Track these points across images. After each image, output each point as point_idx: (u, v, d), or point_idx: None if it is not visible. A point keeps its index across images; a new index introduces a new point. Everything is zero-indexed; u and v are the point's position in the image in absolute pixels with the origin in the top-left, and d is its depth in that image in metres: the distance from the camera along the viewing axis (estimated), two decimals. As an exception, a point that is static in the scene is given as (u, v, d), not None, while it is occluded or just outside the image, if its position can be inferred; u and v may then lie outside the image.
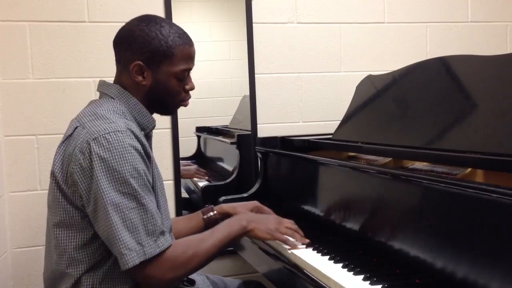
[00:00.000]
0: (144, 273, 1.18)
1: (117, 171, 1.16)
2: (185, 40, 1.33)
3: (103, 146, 1.17)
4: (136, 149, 1.20)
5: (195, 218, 1.57)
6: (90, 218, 1.20)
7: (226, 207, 1.59)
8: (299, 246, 1.38)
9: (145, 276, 1.18)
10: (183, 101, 1.38)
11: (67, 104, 2.00)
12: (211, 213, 1.56)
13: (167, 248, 1.20)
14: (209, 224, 1.54)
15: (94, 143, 1.17)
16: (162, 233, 1.20)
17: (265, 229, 1.40)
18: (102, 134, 1.18)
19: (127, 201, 1.16)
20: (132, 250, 1.14)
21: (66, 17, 2.00)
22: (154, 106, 1.36)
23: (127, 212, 1.16)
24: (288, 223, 1.45)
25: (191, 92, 1.39)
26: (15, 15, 1.95)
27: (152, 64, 1.29)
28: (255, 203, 1.62)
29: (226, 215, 1.53)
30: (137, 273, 1.19)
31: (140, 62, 1.28)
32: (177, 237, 1.33)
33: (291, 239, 1.40)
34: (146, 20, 1.31)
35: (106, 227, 1.16)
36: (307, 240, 1.41)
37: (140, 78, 1.30)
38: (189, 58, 1.34)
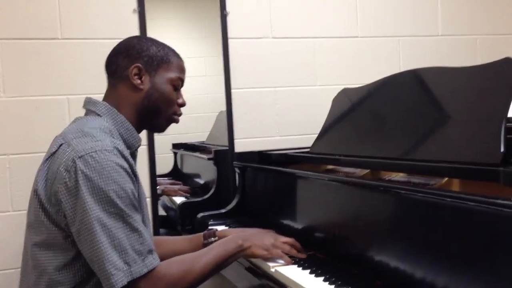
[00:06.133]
0: None
1: (103, 190, 1.14)
2: (177, 54, 1.40)
3: (89, 164, 1.14)
4: (123, 168, 1.18)
5: (195, 240, 1.54)
6: (74, 238, 1.17)
7: (228, 232, 1.55)
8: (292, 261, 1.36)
9: None
10: (175, 114, 1.39)
11: (40, 122, 1.96)
12: (213, 239, 1.51)
13: (158, 266, 1.18)
14: None
15: (80, 162, 1.15)
16: (150, 251, 1.18)
17: (261, 246, 1.39)
18: (89, 153, 1.16)
19: (113, 221, 1.14)
20: (120, 270, 1.12)
21: (39, 34, 1.97)
22: (146, 117, 1.35)
23: (114, 232, 1.13)
24: (284, 238, 1.43)
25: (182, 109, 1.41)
26: (-15, 33, 1.92)
27: (150, 68, 1.33)
28: (259, 230, 1.57)
29: None
30: None
31: (139, 65, 1.31)
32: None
33: (285, 257, 1.38)
34: (141, 36, 1.40)
35: (92, 247, 1.13)
36: (304, 255, 1.40)
37: (138, 81, 1.32)
38: (182, 70, 1.40)
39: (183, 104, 1.40)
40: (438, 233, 1.04)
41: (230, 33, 2.20)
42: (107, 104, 1.31)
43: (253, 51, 2.24)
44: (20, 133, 1.96)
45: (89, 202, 1.13)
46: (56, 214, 1.18)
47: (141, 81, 1.32)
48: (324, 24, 2.34)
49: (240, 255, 1.38)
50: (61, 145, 1.21)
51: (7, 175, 1.94)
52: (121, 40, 1.39)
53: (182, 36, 2.42)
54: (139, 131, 1.37)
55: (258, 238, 1.41)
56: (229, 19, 2.20)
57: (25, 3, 1.96)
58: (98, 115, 1.30)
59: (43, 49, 1.98)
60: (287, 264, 1.36)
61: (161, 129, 1.41)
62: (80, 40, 2.01)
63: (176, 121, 1.41)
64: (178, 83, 1.37)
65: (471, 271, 0.95)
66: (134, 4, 2.07)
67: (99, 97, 1.37)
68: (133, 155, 1.36)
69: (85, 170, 1.14)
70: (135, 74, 1.31)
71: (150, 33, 2.04)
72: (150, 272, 1.16)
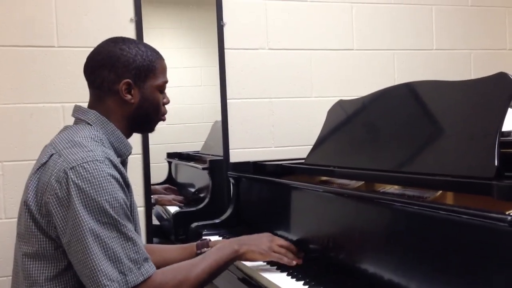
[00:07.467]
0: None
1: (96, 201, 1.13)
2: (159, 54, 1.38)
3: (81, 175, 1.14)
4: (115, 178, 1.17)
5: (189, 249, 1.53)
6: (65, 249, 1.16)
7: (221, 242, 1.54)
8: (293, 263, 1.38)
9: None
10: (163, 115, 1.40)
11: (35, 129, 1.96)
12: (205, 249, 1.50)
13: (154, 274, 1.17)
14: None
15: (72, 173, 1.14)
16: (146, 259, 1.18)
17: (258, 250, 1.40)
18: (80, 163, 1.15)
19: (107, 231, 1.13)
20: (114, 281, 1.11)
21: (35, 42, 1.98)
22: (137, 125, 1.36)
23: (108, 242, 1.12)
24: (281, 240, 1.45)
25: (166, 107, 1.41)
26: (-18, 40, 1.92)
27: (138, 80, 1.30)
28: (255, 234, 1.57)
29: None
30: None
31: (129, 80, 1.29)
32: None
33: (285, 258, 1.40)
34: (120, 40, 1.33)
35: (84, 258, 1.12)
36: (302, 255, 1.42)
37: (129, 96, 1.30)
38: (165, 70, 1.38)
39: (168, 103, 1.40)
40: (432, 246, 1.04)
41: (226, 44, 2.21)
42: (97, 112, 1.30)
43: (249, 62, 2.25)
44: (15, 140, 1.95)
45: (82, 213, 1.12)
46: (47, 225, 1.17)
47: (131, 95, 1.30)
48: (320, 36, 2.36)
49: (236, 260, 1.39)
50: (51, 155, 1.20)
51: (1, 182, 1.93)
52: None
53: (178, 46, 2.43)
54: (128, 137, 1.36)
55: (254, 243, 1.42)
56: (226, 30, 2.21)
57: (21, 11, 1.97)
58: (89, 124, 1.28)
59: (39, 56, 1.98)
60: (289, 263, 1.38)
61: (151, 131, 1.43)
62: (76, 48, 2.01)
63: (164, 120, 1.41)
64: (164, 87, 1.37)
65: (464, 284, 0.95)
66: (131, 14, 2.08)
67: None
68: (124, 162, 1.35)
69: (77, 181, 1.13)
70: (125, 90, 1.29)
71: (147, 43, 2.05)
72: (145, 281, 1.15)
